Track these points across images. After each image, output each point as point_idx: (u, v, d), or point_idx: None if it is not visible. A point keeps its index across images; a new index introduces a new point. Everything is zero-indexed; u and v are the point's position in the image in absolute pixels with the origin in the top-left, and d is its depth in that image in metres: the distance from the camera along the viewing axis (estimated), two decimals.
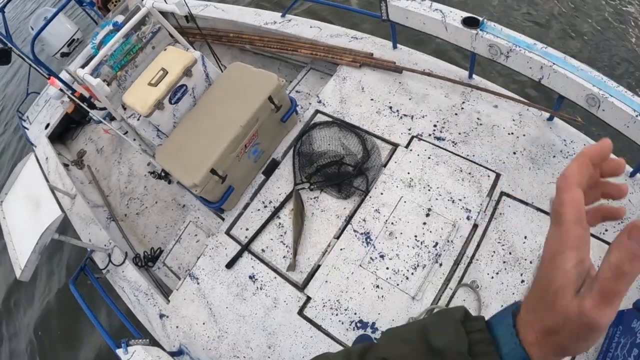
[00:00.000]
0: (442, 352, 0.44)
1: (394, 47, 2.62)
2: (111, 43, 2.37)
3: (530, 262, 2.10)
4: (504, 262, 2.10)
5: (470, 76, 2.42)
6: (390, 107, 2.42)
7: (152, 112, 2.41)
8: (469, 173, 2.20)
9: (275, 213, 2.44)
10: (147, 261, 2.79)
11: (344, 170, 2.39)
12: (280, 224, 2.41)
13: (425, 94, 2.41)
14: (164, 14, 2.55)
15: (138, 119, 2.52)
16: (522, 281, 2.08)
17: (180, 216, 3.05)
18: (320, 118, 2.57)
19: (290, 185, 2.49)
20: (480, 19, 2.01)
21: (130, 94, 2.50)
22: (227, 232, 2.51)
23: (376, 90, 2.50)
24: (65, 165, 3.68)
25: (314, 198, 2.41)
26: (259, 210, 2.52)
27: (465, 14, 2.04)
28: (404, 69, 2.45)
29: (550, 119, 2.31)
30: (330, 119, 2.53)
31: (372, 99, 2.48)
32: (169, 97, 2.49)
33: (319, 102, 2.61)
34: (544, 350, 0.40)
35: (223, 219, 2.61)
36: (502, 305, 2.06)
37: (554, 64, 1.89)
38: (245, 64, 2.60)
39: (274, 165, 2.62)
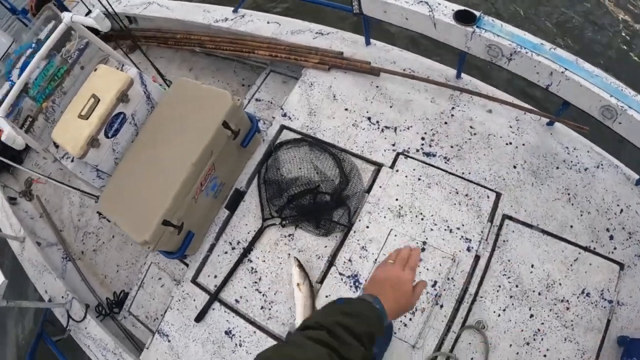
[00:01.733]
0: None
1: (367, 43, 2.20)
2: (29, 69, 1.85)
3: (539, 294, 1.84)
4: (511, 296, 1.82)
5: (458, 76, 2.06)
6: (369, 118, 2.03)
7: (85, 152, 1.93)
8: (466, 195, 1.88)
9: (244, 255, 2.03)
10: (111, 309, 2.40)
11: (321, 200, 2.00)
12: (252, 268, 2.01)
13: (408, 99, 2.04)
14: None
15: (72, 160, 2.01)
16: (531, 316, 1.82)
17: (141, 252, 2.62)
18: (287, 135, 2.14)
19: (258, 220, 2.08)
20: (477, 13, 1.63)
21: (60, 129, 2.00)
22: (194, 281, 2.09)
23: (350, 97, 2.10)
24: (12, 199, 3.16)
25: (289, 236, 2.02)
26: (226, 252, 2.10)
27: (458, 7, 1.65)
28: (381, 70, 2.05)
29: (550, 123, 2.02)
30: (298, 136, 2.11)
31: (346, 109, 2.07)
32: (105, 131, 1.99)
33: (284, 115, 2.17)
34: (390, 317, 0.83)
35: (187, 265, 2.18)
36: (510, 346, 1.79)
37: (565, 69, 1.56)
38: (192, 80, 2.10)
39: (238, 197, 2.18)
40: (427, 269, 1.82)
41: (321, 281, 1.90)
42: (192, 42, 2.76)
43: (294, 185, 2.06)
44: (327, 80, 2.16)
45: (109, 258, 2.74)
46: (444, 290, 1.80)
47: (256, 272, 2.01)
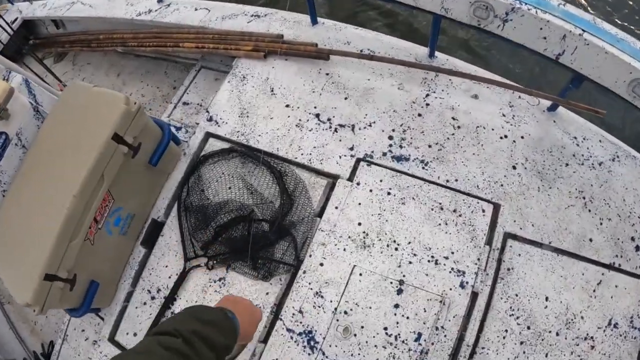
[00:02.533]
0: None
1: (313, 22, 1.71)
2: None
3: (557, 335, 1.37)
4: (522, 342, 1.34)
5: (431, 54, 1.59)
6: (318, 115, 1.52)
7: None
8: (454, 210, 1.38)
9: (166, 307, 1.50)
10: None
11: (257, 230, 1.47)
12: None
13: (368, 88, 1.54)
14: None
15: None
16: None
17: None
18: (213, 145, 1.62)
19: (180, 261, 1.54)
20: None
21: None
22: (111, 339, 1.57)
23: (293, 90, 1.59)
24: None
25: (219, 280, 1.48)
26: (145, 303, 1.55)
27: None
28: (331, 52, 1.56)
29: (552, 108, 1.56)
30: (227, 145, 1.59)
31: (287, 105, 1.56)
32: None
33: (210, 119, 1.64)
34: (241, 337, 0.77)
35: (102, 319, 1.64)
36: None
37: (583, 31, 1.11)
38: (84, 84, 1.56)
39: (155, 229, 1.63)
40: (407, 317, 1.31)
41: (264, 340, 1.38)
42: (115, 41, 2.24)
43: (222, 212, 1.53)
44: (264, 71, 1.65)
45: None
46: (432, 344, 1.29)
47: None
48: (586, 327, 1.39)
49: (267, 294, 1.41)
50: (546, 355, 1.35)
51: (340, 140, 1.45)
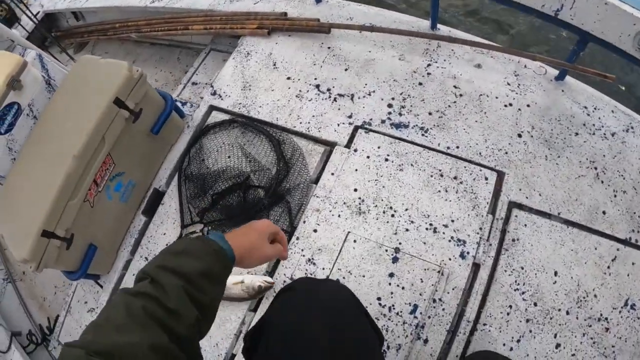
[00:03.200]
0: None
1: (318, 0, 1.75)
2: None
3: (568, 313, 1.27)
4: (528, 320, 1.25)
5: (433, 25, 1.58)
6: (318, 86, 1.52)
7: None
8: (455, 177, 1.33)
9: None
10: (44, 337, 1.95)
11: (253, 197, 1.47)
12: None
13: (369, 59, 1.54)
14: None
15: None
16: (558, 346, 1.26)
17: None
18: (216, 117, 1.65)
19: (177, 228, 1.55)
20: None
21: None
22: None
23: (294, 63, 1.61)
24: None
25: None
26: None
27: None
28: (332, 26, 1.58)
29: (560, 77, 1.50)
30: (229, 117, 1.62)
31: (288, 78, 1.58)
32: None
33: (214, 93, 1.68)
34: (241, 256, 0.70)
35: (101, 286, 1.67)
36: None
37: None
38: (94, 57, 1.65)
39: (156, 199, 1.66)
40: (403, 288, 1.25)
41: (254, 309, 1.35)
42: (130, 28, 2.37)
43: (220, 180, 1.54)
44: (267, 47, 1.68)
45: (47, 279, 2.27)
46: (429, 317, 1.22)
47: None
48: (600, 306, 1.28)
49: None
50: (555, 336, 1.25)
51: (339, 109, 1.45)
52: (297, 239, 1.37)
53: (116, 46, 2.65)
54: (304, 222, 1.38)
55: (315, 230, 1.36)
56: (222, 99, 1.65)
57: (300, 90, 1.52)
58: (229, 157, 1.56)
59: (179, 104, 1.77)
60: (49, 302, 2.26)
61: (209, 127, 1.63)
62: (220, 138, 1.60)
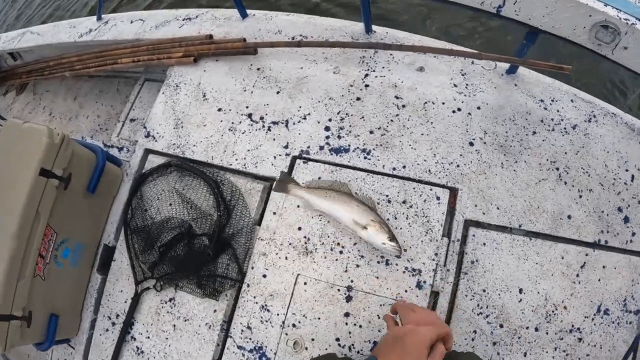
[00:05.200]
0: None
1: (243, 15, 1.59)
2: None
3: (537, 330, 1.20)
4: (494, 343, 1.18)
5: (368, 30, 1.43)
6: (250, 115, 1.40)
7: None
8: (403, 202, 1.23)
9: (125, 332, 1.44)
10: None
11: (199, 246, 1.38)
12: (137, 348, 1.40)
13: (301, 77, 1.40)
14: None
15: None
16: None
17: None
18: (152, 162, 1.54)
19: (133, 284, 1.48)
20: None
21: None
22: None
23: (224, 92, 1.47)
24: None
25: (170, 301, 1.40)
26: (107, 330, 1.51)
27: None
28: (257, 45, 1.44)
29: (511, 70, 1.37)
30: (164, 160, 1.51)
31: (219, 109, 1.45)
32: None
33: (147, 135, 1.56)
34: None
35: (73, 348, 1.62)
36: None
37: None
38: (16, 121, 1.52)
39: (108, 254, 1.59)
40: (360, 326, 1.17)
41: (218, 359, 1.28)
42: (64, 66, 2.22)
43: (165, 231, 1.45)
44: (195, 77, 1.55)
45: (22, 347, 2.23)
46: None
47: (142, 352, 1.40)
48: (570, 318, 1.20)
49: (214, 311, 1.31)
50: (525, 355, 1.18)
51: (274, 140, 1.33)
52: (248, 286, 1.28)
53: (57, 83, 2.51)
54: (252, 267, 1.29)
55: (264, 276, 1.27)
56: (156, 141, 1.53)
57: (232, 122, 1.40)
58: (170, 204, 1.46)
59: (115, 150, 1.66)
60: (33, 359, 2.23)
61: (146, 174, 1.52)
62: (159, 185, 1.49)
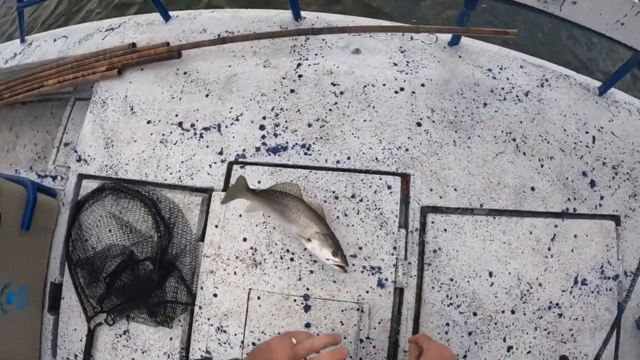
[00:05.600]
0: None
1: (165, 18, 1.47)
2: None
3: (513, 312, 1.12)
4: (470, 332, 1.09)
5: (297, 16, 1.33)
6: (181, 124, 1.28)
7: None
8: (352, 196, 1.13)
9: None
10: None
11: (144, 272, 1.26)
12: None
13: (229, 75, 1.29)
14: None
15: None
16: (510, 348, 1.11)
17: None
18: (87, 187, 1.41)
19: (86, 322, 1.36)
20: None
21: None
22: None
23: (152, 102, 1.35)
24: None
25: (124, 334, 1.27)
26: None
27: None
28: (181, 48, 1.32)
29: (453, 41, 1.27)
30: (99, 184, 1.38)
31: (149, 121, 1.34)
32: None
33: (79, 159, 1.43)
34: None
35: None
36: None
37: None
38: None
39: (56, 292, 1.46)
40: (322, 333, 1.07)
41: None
42: None
43: (108, 259, 1.33)
44: (122, 90, 1.42)
45: None
46: (360, 359, 1.06)
47: None
48: (547, 294, 1.12)
49: (170, 339, 1.19)
50: (504, 340, 1.09)
51: (207, 147, 1.21)
52: (200, 308, 1.17)
53: None
54: (202, 288, 1.17)
55: (215, 295, 1.16)
56: (88, 164, 1.40)
57: (163, 134, 1.28)
58: (109, 231, 1.33)
59: (48, 180, 1.53)
60: None
61: (82, 202, 1.39)
62: (96, 211, 1.36)
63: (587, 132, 1.27)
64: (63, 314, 1.43)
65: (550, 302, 1.13)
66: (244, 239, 1.13)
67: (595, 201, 1.22)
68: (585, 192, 1.22)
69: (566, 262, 1.15)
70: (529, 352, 1.11)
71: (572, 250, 1.16)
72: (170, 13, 1.46)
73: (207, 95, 1.27)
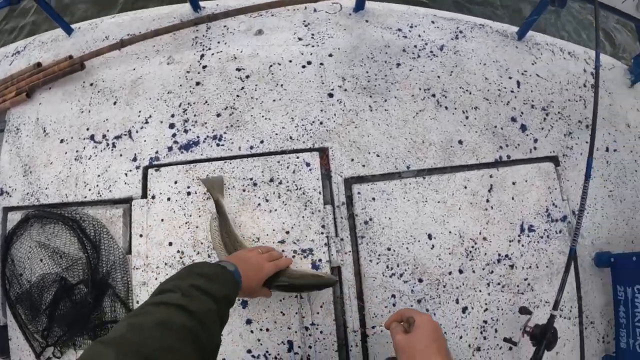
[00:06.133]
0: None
1: (68, 32, 1.40)
2: None
3: (461, 272, 1.08)
4: (419, 300, 1.06)
5: (196, 7, 1.27)
6: (93, 137, 1.22)
7: None
8: (271, 180, 1.08)
9: None
10: None
11: (78, 296, 1.21)
12: None
13: (135, 79, 1.22)
14: None
15: None
16: (465, 309, 1.08)
17: None
18: (13, 220, 1.33)
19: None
20: None
21: None
22: None
23: (62, 120, 1.28)
24: None
25: None
26: None
27: None
28: (82, 59, 1.26)
29: (358, 6, 1.22)
30: (23, 214, 1.32)
31: (62, 140, 1.27)
32: None
33: (1, 193, 1.37)
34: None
35: None
36: None
37: None
38: None
39: (2, 335, 1.39)
40: (267, 330, 1.01)
41: None
42: None
43: (45, 291, 1.27)
44: (33, 113, 1.36)
45: None
46: (310, 347, 1.01)
47: None
48: (494, 247, 1.08)
49: None
50: (457, 302, 1.05)
51: (121, 155, 1.16)
52: None
53: None
54: (137, 302, 1.12)
55: None
56: (10, 196, 1.34)
57: (77, 151, 1.22)
58: (41, 260, 1.27)
59: None
60: None
61: (9, 236, 1.33)
62: (25, 243, 1.30)
63: (510, 78, 1.23)
64: (14, 356, 1.36)
65: (499, 255, 1.10)
66: (170, 244, 1.08)
67: (529, 145, 1.19)
68: (517, 138, 1.18)
69: (508, 211, 1.12)
70: (485, 309, 1.08)
71: (512, 199, 1.12)
72: (73, 26, 1.40)
73: (114, 103, 1.21)
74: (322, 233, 1.03)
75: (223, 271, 0.75)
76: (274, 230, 1.04)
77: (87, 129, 1.23)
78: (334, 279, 0.95)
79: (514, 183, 1.13)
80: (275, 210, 1.04)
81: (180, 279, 0.69)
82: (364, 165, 1.07)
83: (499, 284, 1.09)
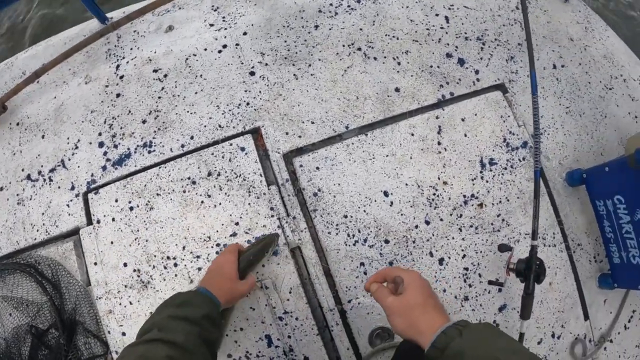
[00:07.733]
0: None
1: None
2: None
3: (428, 223, 1.03)
4: (391, 262, 1.00)
5: (103, 19, 1.22)
6: (29, 176, 1.17)
7: None
8: (209, 174, 1.02)
9: None
10: None
11: (52, 340, 1.17)
12: None
13: (57, 107, 1.16)
14: None
15: None
16: (441, 260, 1.03)
17: None
18: None
19: None
20: None
21: None
22: None
23: None
24: None
25: None
26: None
27: None
28: (3, 101, 1.22)
29: None
30: None
31: (1, 188, 1.23)
32: None
33: None
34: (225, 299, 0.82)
35: None
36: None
37: None
38: None
39: None
40: (241, 329, 0.96)
41: None
42: None
43: (20, 344, 1.23)
44: None
45: None
46: (289, 337, 0.96)
47: None
48: (457, 190, 1.02)
49: None
50: (431, 254, 1.00)
51: (59, 187, 1.11)
52: (117, 353, 1.07)
53: None
54: (109, 332, 1.07)
55: (124, 334, 1.05)
56: None
57: (17, 195, 1.18)
58: (10, 314, 1.24)
59: None
60: None
61: None
62: None
63: (437, 15, 1.17)
64: None
65: (464, 196, 1.04)
66: (125, 264, 1.03)
67: (471, 78, 1.13)
68: (457, 73, 1.12)
69: (464, 149, 1.06)
70: (463, 256, 1.02)
71: (465, 135, 1.06)
72: None
73: (43, 137, 1.16)
74: (272, 216, 0.98)
75: (195, 294, 0.77)
76: (222, 225, 0.98)
77: (22, 170, 1.18)
78: (275, 233, 0.96)
79: (463, 119, 1.07)
80: (220, 204, 0.99)
81: (157, 314, 0.72)
82: (300, 136, 1.02)
83: (471, 226, 1.04)
